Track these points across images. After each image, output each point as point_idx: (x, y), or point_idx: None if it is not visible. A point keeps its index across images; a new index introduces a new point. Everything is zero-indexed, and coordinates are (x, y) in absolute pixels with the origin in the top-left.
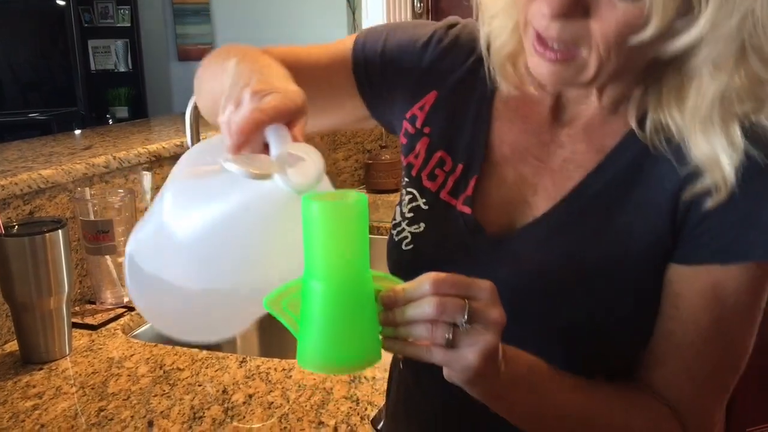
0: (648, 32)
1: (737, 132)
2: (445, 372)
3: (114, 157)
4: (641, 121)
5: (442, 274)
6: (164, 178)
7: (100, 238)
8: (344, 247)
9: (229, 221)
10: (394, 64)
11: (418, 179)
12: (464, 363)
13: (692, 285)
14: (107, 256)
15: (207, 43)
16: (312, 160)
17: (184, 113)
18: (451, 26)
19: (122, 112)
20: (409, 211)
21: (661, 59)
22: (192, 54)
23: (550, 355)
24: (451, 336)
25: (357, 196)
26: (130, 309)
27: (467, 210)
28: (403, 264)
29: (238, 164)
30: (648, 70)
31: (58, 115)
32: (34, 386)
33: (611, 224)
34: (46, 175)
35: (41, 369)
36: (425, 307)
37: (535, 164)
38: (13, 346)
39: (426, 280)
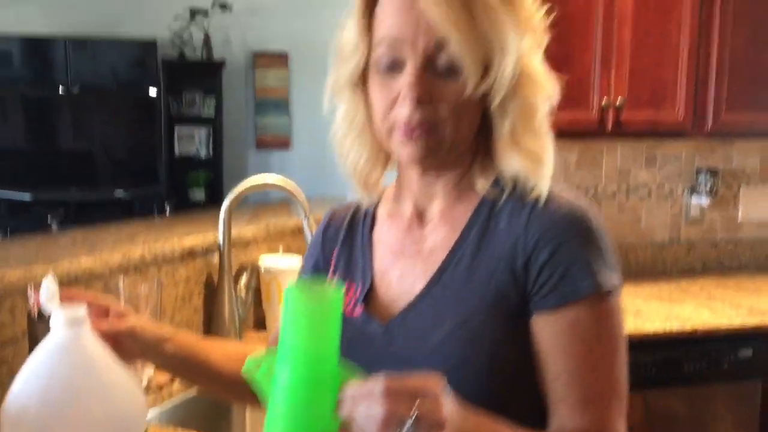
0: (468, 91)
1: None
2: None
3: (149, 250)
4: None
5: (396, 378)
6: (195, 270)
7: None
8: (313, 339)
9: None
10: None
11: None
12: None
13: (553, 329)
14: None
15: (284, 134)
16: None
17: (254, 201)
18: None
19: (199, 194)
20: None
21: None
22: (269, 143)
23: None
24: None
25: (332, 295)
26: (145, 392)
27: (359, 311)
28: None
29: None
30: (476, 139)
31: (141, 195)
32: None
33: (471, 286)
34: (85, 264)
35: None
36: (376, 408)
37: (411, 259)
38: None
39: (380, 382)
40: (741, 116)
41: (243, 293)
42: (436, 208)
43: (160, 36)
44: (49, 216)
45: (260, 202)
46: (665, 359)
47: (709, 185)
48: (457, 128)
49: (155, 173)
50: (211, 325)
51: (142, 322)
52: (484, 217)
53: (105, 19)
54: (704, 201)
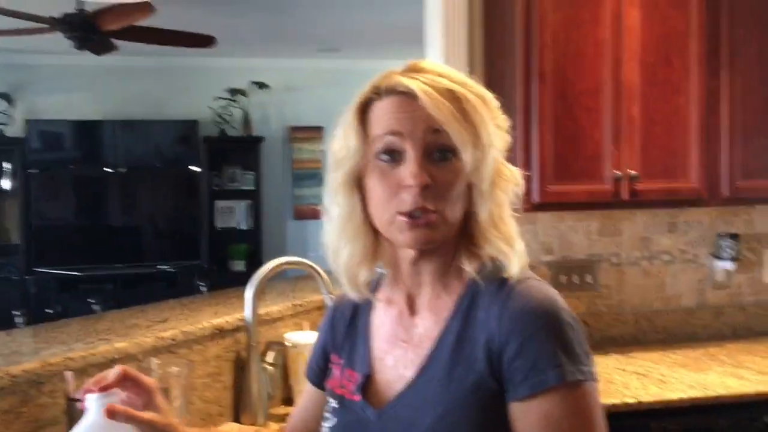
0: (465, 171)
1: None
2: None
3: (181, 331)
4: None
5: None
6: (225, 347)
7: None
8: None
9: None
10: (318, 360)
11: (332, 391)
12: None
13: (528, 417)
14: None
15: (320, 204)
16: None
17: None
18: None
19: (240, 265)
20: (328, 412)
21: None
22: (306, 213)
23: None
24: None
25: None
26: None
27: (357, 397)
28: None
29: None
30: (460, 231)
31: (184, 268)
32: None
33: (453, 374)
34: (120, 347)
35: None
36: None
37: (403, 346)
38: None
39: None
40: (757, 183)
41: (271, 370)
42: (425, 298)
43: (201, 115)
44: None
45: (289, 277)
46: (691, 427)
47: (731, 250)
48: (453, 210)
49: (197, 246)
50: (240, 400)
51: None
52: (466, 306)
53: (150, 101)
54: (728, 265)
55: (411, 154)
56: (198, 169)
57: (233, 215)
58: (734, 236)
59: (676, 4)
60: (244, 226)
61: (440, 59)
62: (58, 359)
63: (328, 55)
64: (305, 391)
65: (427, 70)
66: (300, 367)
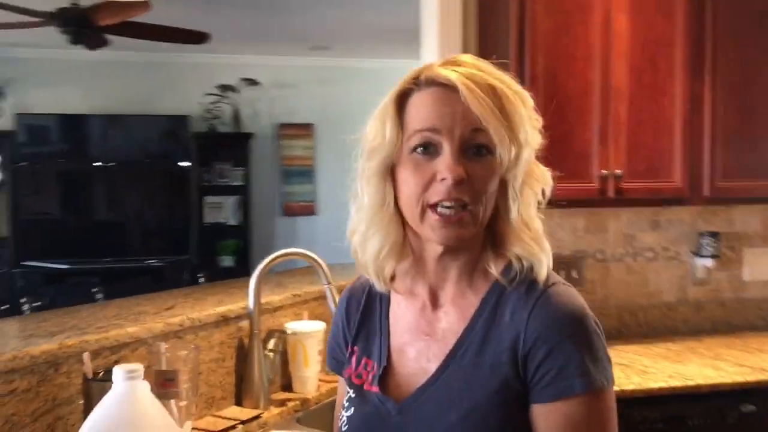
0: (501, 169)
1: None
2: None
3: (188, 317)
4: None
5: None
6: (228, 335)
7: (167, 385)
8: None
9: None
10: (335, 351)
11: (350, 380)
12: None
13: (549, 420)
14: (171, 401)
15: (309, 201)
16: None
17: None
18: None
19: (228, 261)
20: (346, 401)
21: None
22: (295, 210)
23: None
24: None
25: None
26: None
27: (375, 389)
28: None
29: None
30: (488, 230)
31: (172, 263)
32: None
33: (478, 372)
34: (131, 332)
35: None
36: None
37: (425, 339)
38: None
39: None
40: (736, 183)
41: (271, 356)
42: (448, 293)
43: (191, 111)
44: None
45: (286, 270)
46: (670, 415)
47: (711, 248)
48: (485, 206)
49: (186, 241)
50: (242, 385)
51: None
52: (492, 306)
53: (140, 96)
54: (708, 263)
55: (447, 149)
56: (188, 165)
57: (222, 211)
58: (714, 234)
59: (662, 11)
60: (233, 222)
61: (435, 58)
62: (74, 341)
63: (319, 53)
64: (338, 383)
65: (468, 63)
66: (299, 353)
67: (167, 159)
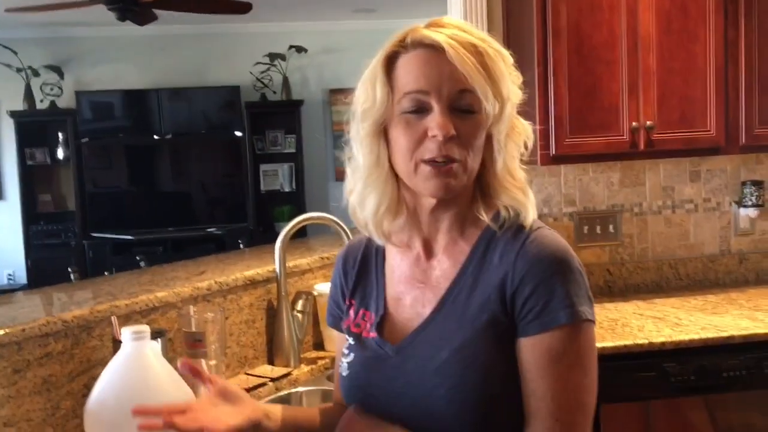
0: (485, 125)
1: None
2: None
3: (215, 282)
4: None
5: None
6: (257, 297)
7: (196, 345)
8: None
9: None
10: (334, 308)
11: (348, 329)
12: None
13: (533, 352)
14: (201, 360)
15: None
16: None
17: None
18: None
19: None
20: (345, 348)
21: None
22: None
23: (458, 421)
24: None
25: None
26: None
27: (374, 335)
28: (346, 384)
29: None
30: (476, 182)
31: (231, 230)
32: None
33: (469, 312)
34: (161, 296)
35: None
36: None
37: (420, 287)
38: None
39: None
40: None
41: (300, 317)
42: (441, 243)
43: (242, 81)
44: (138, 256)
45: (318, 234)
46: (704, 367)
47: (755, 197)
48: (474, 160)
49: (243, 209)
50: (272, 345)
51: (260, 412)
52: (482, 251)
53: (192, 69)
54: (752, 212)
55: (437, 107)
56: (241, 134)
57: (277, 178)
58: (758, 183)
59: None
60: (287, 189)
61: (461, 16)
62: (105, 306)
63: (363, 16)
64: (336, 339)
65: (450, 25)
66: None
67: (223, 129)
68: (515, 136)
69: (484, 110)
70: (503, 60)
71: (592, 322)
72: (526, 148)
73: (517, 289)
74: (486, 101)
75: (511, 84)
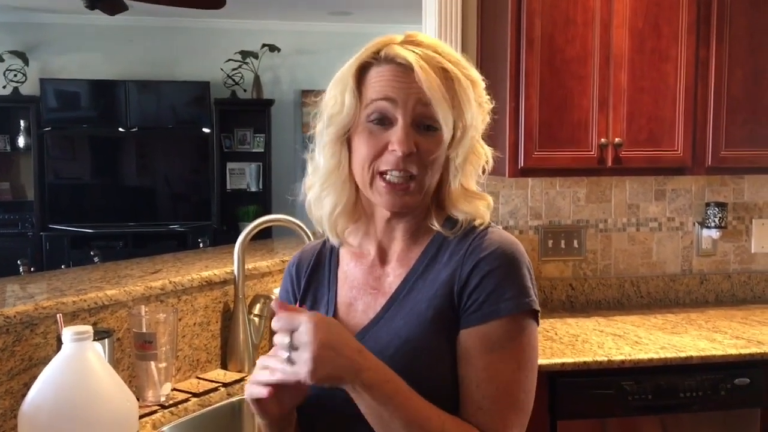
0: (444, 146)
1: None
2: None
3: (170, 281)
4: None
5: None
6: (213, 299)
7: (146, 347)
8: None
9: None
10: None
11: None
12: (301, 362)
13: (471, 342)
14: (151, 362)
15: None
16: None
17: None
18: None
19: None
20: None
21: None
22: None
23: None
24: (287, 356)
25: None
26: (164, 407)
27: None
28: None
29: None
30: (434, 196)
31: (194, 228)
32: None
33: (416, 308)
34: (111, 295)
35: None
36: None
37: (373, 293)
38: None
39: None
40: (741, 153)
41: (257, 321)
42: (396, 249)
43: (213, 77)
44: (93, 251)
45: (283, 237)
46: (661, 387)
47: (718, 218)
48: (431, 177)
49: (208, 207)
50: (227, 349)
51: None
52: (432, 254)
53: (162, 62)
54: (715, 234)
55: (400, 121)
56: (209, 131)
57: (243, 177)
58: (722, 205)
59: None
60: (253, 188)
61: (435, 24)
62: (50, 303)
63: (339, 18)
64: None
65: (425, 44)
66: None
67: (192, 125)
68: (474, 160)
69: (443, 133)
70: (473, 86)
71: (535, 317)
72: (483, 172)
73: (465, 283)
74: (445, 125)
75: (477, 110)
